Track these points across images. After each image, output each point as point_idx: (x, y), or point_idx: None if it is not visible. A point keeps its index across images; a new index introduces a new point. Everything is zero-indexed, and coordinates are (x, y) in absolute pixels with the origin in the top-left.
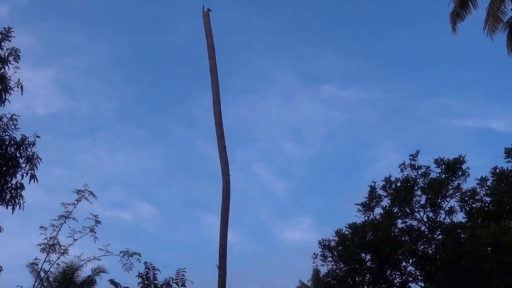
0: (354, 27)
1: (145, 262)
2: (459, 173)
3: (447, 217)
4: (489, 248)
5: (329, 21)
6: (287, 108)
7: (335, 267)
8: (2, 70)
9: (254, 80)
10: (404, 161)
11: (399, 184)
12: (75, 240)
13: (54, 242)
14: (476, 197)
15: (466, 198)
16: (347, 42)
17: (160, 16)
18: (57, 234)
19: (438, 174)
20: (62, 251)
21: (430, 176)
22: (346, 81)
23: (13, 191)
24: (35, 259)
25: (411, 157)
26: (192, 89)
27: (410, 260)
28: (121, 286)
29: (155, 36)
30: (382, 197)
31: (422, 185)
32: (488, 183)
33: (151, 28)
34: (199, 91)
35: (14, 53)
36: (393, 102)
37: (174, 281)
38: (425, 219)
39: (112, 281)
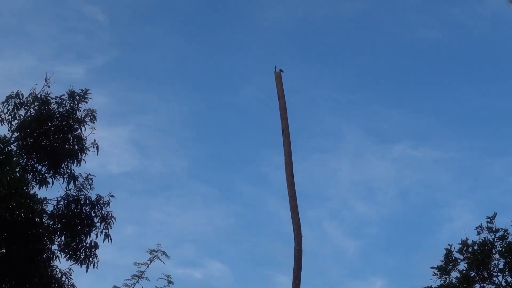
0: (424, 84)
1: None
2: None
3: None
4: None
5: (395, 78)
6: (358, 167)
7: None
8: (79, 130)
9: (324, 139)
10: (481, 224)
11: (476, 247)
12: None
13: None
14: None
15: None
16: (414, 100)
17: (229, 74)
18: None
19: None
20: None
21: (508, 240)
22: (417, 139)
23: (87, 250)
24: None
25: (488, 219)
26: (262, 148)
27: None
28: None
29: (224, 94)
30: (459, 260)
31: (500, 248)
32: None
33: (221, 87)
34: (268, 150)
35: (90, 114)
36: (465, 161)
37: None
38: (504, 284)
39: None
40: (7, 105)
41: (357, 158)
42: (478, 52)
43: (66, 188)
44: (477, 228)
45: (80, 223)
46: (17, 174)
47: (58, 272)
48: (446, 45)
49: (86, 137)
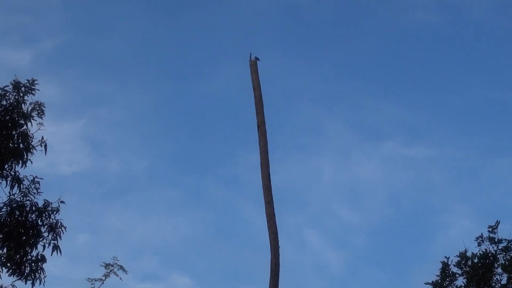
0: (418, 74)
1: None
2: None
3: None
4: None
5: (386, 67)
6: (343, 167)
7: None
8: (25, 127)
9: (305, 136)
10: (481, 233)
11: (476, 260)
12: None
13: None
14: None
15: None
16: (407, 92)
17: (198, 61)
18: None
19: None
20: None
21: None
22: (409, 136)
23: (33, 264)
24: None
25: (490, 229)
26: (235, 146)
27: None
28: None
29: (193, 84)
30: (457, 275)
31: (503, 261)
32: None
33: (189, 75)
34: (242, 148)
35: (38, 108)
36: (464, 161)
37: None
38: None
39: None
40: None
41: (342, 157)
42: (482, 38)
43: (9, 192)
44: (477, 238)
45: (25, 233)
46: None
47: None
48: (445, 30)
49: (32, 134)
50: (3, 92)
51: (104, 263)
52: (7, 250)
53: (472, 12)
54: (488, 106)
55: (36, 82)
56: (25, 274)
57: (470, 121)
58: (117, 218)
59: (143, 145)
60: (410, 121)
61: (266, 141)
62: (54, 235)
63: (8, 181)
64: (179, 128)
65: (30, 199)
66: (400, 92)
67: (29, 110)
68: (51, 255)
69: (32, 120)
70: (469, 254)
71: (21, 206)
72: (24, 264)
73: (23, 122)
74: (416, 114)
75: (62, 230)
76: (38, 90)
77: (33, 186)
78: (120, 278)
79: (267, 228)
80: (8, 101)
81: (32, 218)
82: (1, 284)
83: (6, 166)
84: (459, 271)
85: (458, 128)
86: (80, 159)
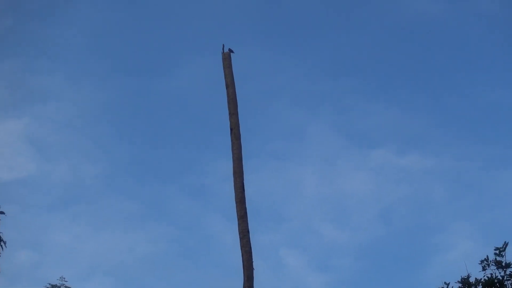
0: (415, 72)
1: None
2: None
3: None
4: None
5: (380, 64)
6: (327, 179)
7: None
8: None
9: (284, 141)
10: (487, 256)
11: (480, 287)
12: None
13: None
14: None
15: None
16: (403, 93)
17: (162, 52)
18: None
19: None
20: None
21: None
22: (404, 144)
23: None
24: None
25: (497, 251)
26: (204, 152)
27: None
28: None
29: (155, 79)
30: None
31: None
32: None
33: (151, 69)
34: (212, 155)
35: None
36: (466, 172)
37: None
38: None
39: None
40: None
41: (326, 167)
42: (488, 32)
43: None
44: (482, 261)
45: None
46: None
47: None
48: (447, 23)
49: None
50: None
51: (50, 284)
52: None
53: (478, 2)
54: (494, 109)
55: None
56: None
57: (473, 127)
58: (64, 233)
59: (96, 149)
60: (404, 126)
61: (240, 147)
62: None
63: None
64: (138, 130)
65: None
66: (394, 93)
67: None
68: None
69: None
70: (472, 279)
71: None
72: None
73: None
74: (411, 118)
75: (2, 246)
76: None
77: None
78: None
79: (239, 247)
80: None
81: None
82: None
83: None
84: None
85: (459, 135)
86: (22, 164)
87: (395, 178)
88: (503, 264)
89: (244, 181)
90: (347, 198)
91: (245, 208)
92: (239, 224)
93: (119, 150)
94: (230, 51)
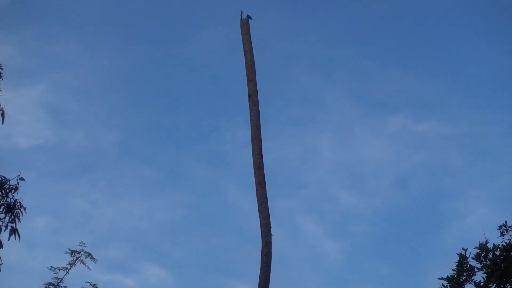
0: (432, 37)
1: None
2: None
3: None
4: None
5: (395, 29)
6: (344, 145)
7: None
8: None
9: (301, 108)
10: (505, 222)
11: (498, 252)
12: None
13: None
14: None
15: None
16: (419, 58)
17: (178, 19)
18: None
19: None
20: None
21: None
22: (421, 110)
23: None
24: None
25: None
26: (221, 119)
27: None
28: None
29: (171, 46)
30: (476, 269)
31: None
32: None
33: (167, 36)
34: (230, 121)
35: None
36: (483, 139)
37: None
38: None
39: None
40: None
41: (343, 134)
42: None
43: None
44: (500, 227)
45: None
46: None
47: None
48: None
49: None
50: None
51: (69, 249)
52: None
53: None
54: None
55: None
56: None
57: (492, 93)
58: (82, 199)
59: (113, 116)
60: (422, 92)
61: (258, 113)
62: (12, 216)
63: None
64: (155, 97)
65: None
66: (411, 58)
67: None
68: (8, 240)
69: None
70: (490, 245)
71: None
72: None
73: None
74: (429, 83)
75: (21, 211)
76: None
77: None
78: (88, 267)
79: (257, 213)
80: None
81: None
82: None
83: None
84: (478, 265)
85: (477, 101)
86: (39, 131)
87: (412, 145)
88: None
89: (262, 148)
90: (364, 165)
91: (263, 174)
92: (257, 190)
93: (136, 117)
94: (248, 17)
